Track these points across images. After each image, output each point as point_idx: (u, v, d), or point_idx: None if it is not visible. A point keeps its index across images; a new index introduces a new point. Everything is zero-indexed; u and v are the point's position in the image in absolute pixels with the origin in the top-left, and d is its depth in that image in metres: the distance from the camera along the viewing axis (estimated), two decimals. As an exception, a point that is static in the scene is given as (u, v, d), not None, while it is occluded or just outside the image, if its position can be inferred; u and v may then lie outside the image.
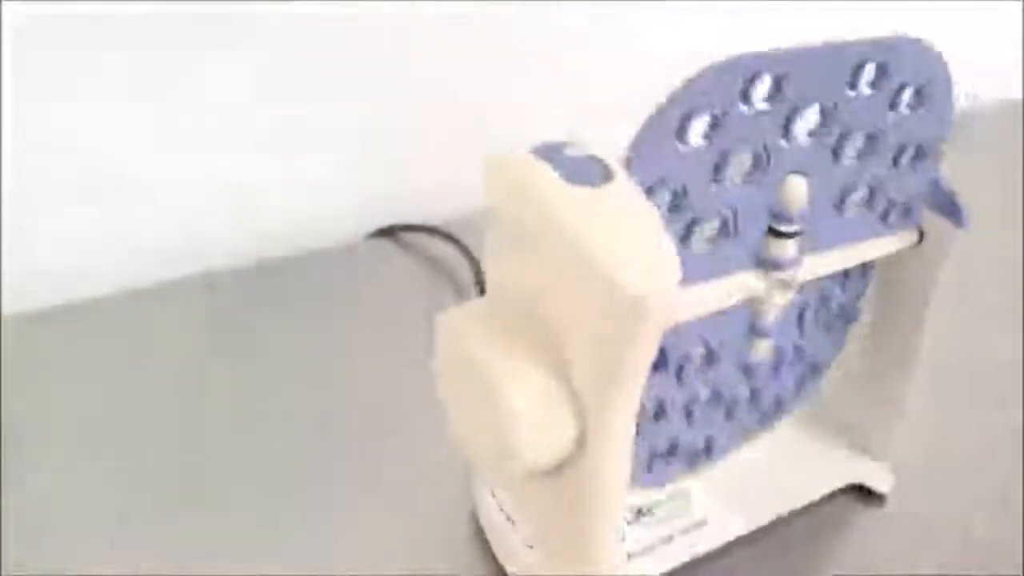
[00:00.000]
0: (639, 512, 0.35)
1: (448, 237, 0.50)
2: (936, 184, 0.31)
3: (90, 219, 0.47)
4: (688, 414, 0.32)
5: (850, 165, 0.29)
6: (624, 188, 0.24)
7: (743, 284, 0.28)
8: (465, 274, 0.49)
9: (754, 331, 0.31)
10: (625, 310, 0.22)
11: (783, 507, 0.36)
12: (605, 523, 0.28)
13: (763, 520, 0.36)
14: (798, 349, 0.34)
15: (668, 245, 0.23)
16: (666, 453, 0.33)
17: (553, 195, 0.23)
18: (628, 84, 0.57)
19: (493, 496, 0.33)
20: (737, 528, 0.35)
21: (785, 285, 0.29)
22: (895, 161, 0.30)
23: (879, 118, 0.28)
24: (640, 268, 0.22)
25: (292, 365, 0.43)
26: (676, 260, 0.23)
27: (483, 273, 0.46)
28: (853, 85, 0.27)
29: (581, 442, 0.26)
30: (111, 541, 0.35)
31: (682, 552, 0.34)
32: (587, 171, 0.24)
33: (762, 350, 0.32)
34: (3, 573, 0.27)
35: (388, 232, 0.52)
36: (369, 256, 0.51)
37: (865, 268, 0.34)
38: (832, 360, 0.36)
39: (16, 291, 0.45)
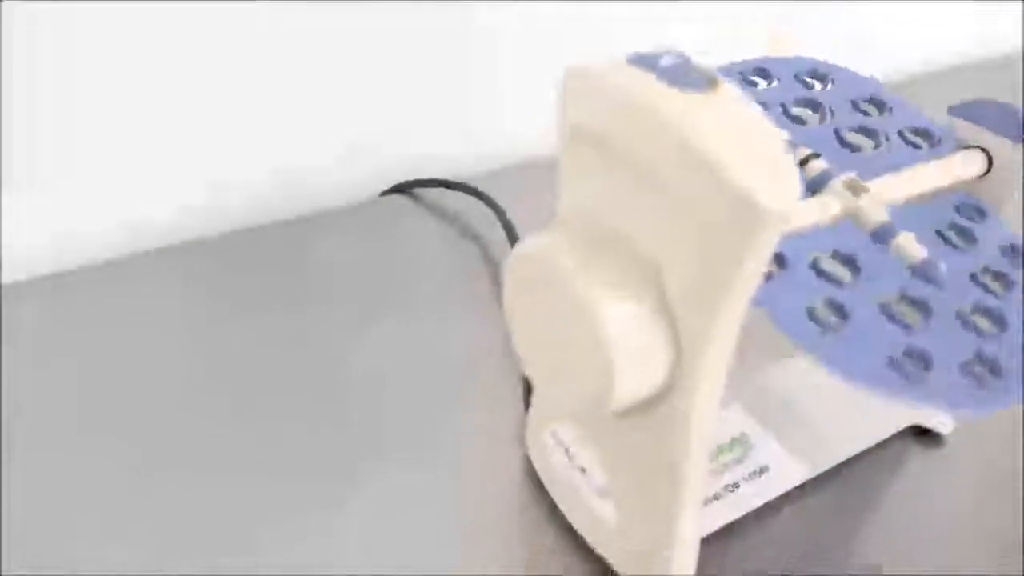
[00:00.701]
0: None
1: (470, 190, 0.48)
2: (1001, 106, 0.30)
3: (90, 181, 0.44)
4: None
5: None
6: (733, 94, 0.22)
7: (833, 199, 0.27)
8: (487, 228, 0.47)
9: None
10: (749, 221, 0.20)
11: (845, 451, 0.35)
12: (694, 461, 0.26)
13: (826, 465, 0.35)
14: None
15: (788, 155, 0.21)
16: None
17: (661, 101, 0.22)
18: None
19: (559, 445, 0.31)
20: (801, 474, 0.34)
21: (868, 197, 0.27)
22: None
23: None
24: (765, 178, 0.20)
25: (307, 327, 0.41)
26: (796, 171, 0.21)
27: (510, 224, 0.45)
28: None
29: (675, 371, 0.25)
30: (109, 509, 0.33)
31: (749, 500, 0.33)
32: (689, 78, 0.22)
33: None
34: (3, 573, 0.24)
35: (402, 189, 0.50)
36: (385, 214, 0.49)
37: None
38: None
39: (11, 260, 0.43)
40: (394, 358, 0.40)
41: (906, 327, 0.26)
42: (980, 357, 0.26)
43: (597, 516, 0.30)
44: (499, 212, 0.45)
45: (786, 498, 0.34)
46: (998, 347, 0.26)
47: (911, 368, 0.25)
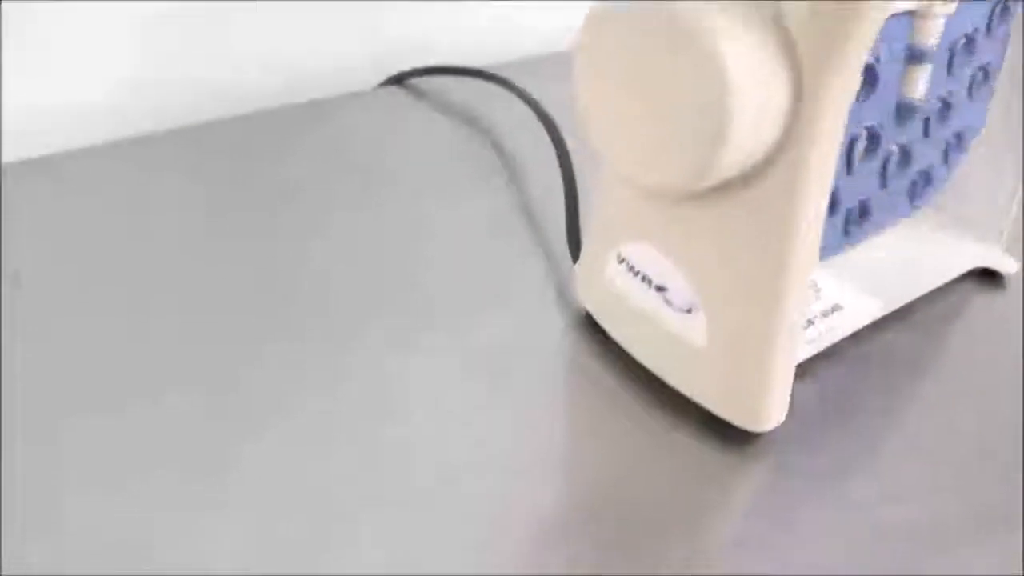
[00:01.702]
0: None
1: (485, 76, 0.45)
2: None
3: (87, 64, 0.41)
4: (848, 162, 0.28)
5: None
6: None
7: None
8: (496, 117, 0.44)
9: (912, 56, 0.27)
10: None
11: (914, 291, 0.33)
12: (802, 240, 0.24)
13: (896, 303, 0.33)
14: (945, 107, 0.31)
15: None
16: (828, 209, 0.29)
17: None
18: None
19: (629, 270, 0.28)
20: (872, 311, 0.32)
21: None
22: None
23: None
24: None
25: (310, 212, 0.37)
26: None
27: (538, 104, 0.42)
28: None
29: (791, 126, 0.22)
30: (110, 391, 0.29)
31: (824, 336, 0.31)
32: None
33: (918, 82, 0.28)
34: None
35: (402, 79, 0.47)
36: (385, 104, 0.46)
37: (1006, 16, 0.31)
38: (973, 136, 0.33)
39: (14, 138, 0.40)
40: (407, 237, 0.36)
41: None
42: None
43: (680, 342, 0.27)
44: (519, 92, 0.42)
45: (854, 340, 0.32)
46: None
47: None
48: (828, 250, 0.28)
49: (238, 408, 0.28)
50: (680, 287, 0.27)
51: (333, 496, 0.25)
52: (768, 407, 0.27)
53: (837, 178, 0.26)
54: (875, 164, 0.28)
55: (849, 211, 0.29)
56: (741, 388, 0.27)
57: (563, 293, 0.33)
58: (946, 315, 0.34)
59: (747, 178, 0.23)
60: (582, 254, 0.31)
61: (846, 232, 0.29)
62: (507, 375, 0.30)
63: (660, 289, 0.27)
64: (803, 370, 0.30)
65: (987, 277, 0.35)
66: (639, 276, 0.28)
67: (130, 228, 0.35)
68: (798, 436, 0.28)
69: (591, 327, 0.32)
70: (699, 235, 0.25)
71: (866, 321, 0.32)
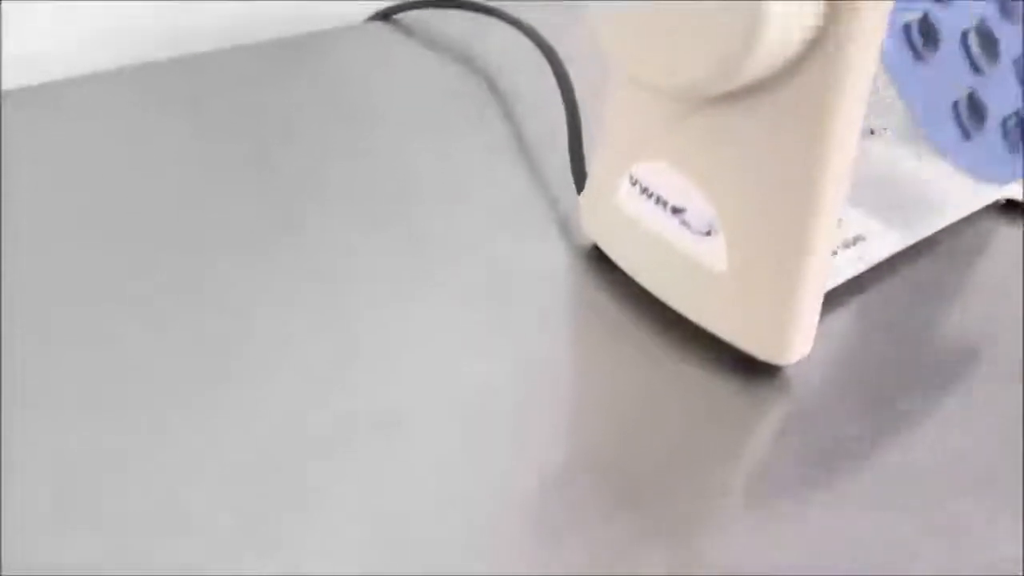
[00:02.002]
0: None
1: (476, 7, 0.42)
2: None
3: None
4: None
5: None
6: None
7: None
8: (489, 49, 0.42)
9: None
10: None
11: (937, 222, 0.31)
12: (838, 156, 0.22)
13: (919, 235, 0.31)
14: None
15: None
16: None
17: None
18: None
19: (643, 193, 0.26)
20: (897, 241, 0.30)
21: None
22: None
23: None
24: None
25: (292, 151, 0.35)
26: None
27: (535, 31, 0.39)
28: None
29: (826, 21, 0.20)
30: (106, 321, 0.27)
31: (848, 266, 0.29)
32: None
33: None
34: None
35: (387, 15, 0.44)
36: (372, 39, 0.43)
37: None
38: None
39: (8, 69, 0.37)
40: (402, 175, 0.34)
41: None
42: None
43: (697, 268, 0.25)
44: (516, 23, 0.40)
45: (876, 273, 0.30)
46: None
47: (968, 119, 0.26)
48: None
49: (236, 340, 0.26)
50: (699, 207, 0.25)
51: (323, 436, 0.23)
52: (793, 338, 0.25)
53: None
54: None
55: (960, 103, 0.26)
56: (764, 317, 0.25)
57: (566, 226, 0.31)
58: (971, 247, 0.32)
59: (778, 79, 0.21)
60: (588, 182, 0.29)
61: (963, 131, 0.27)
62: (508, 309, 0.28)
63: (677, 211, 0.25)
64: (825, 301, 0.29)
65: (1011, 209, 0.34)
66: (653, 198, 0.26)
67: (122, 157, 0.33)
68: (822, 372, 0.27)
69: (597, 260, 0.30)
70: (721, 148, 0.23)
71: (890, 251, 0.30)
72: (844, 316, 0.29)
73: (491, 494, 0.22)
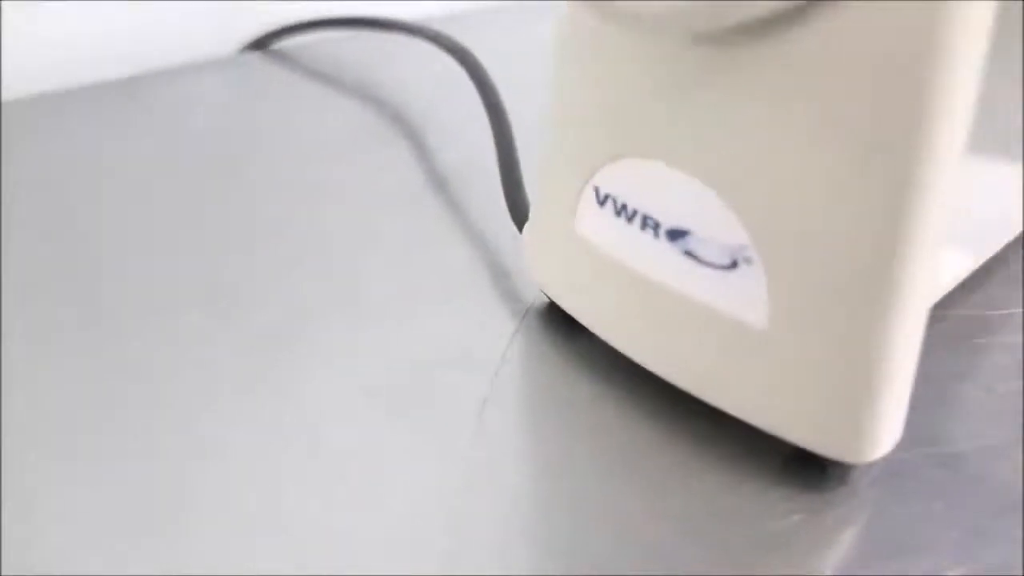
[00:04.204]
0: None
1: (363, 23, 0.33)
2: None
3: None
4: None
5: None
6: None
7: None
8: (380, 74, 0.33)
9: None
10: None
11: (1007, 233, 0.23)
12: (938, 138, 0.13)
13: (990, 252, 0.23)
14: None
15: None
16: None
17: None
18: None
19: (611, 208, 0.17)
20: (967, 263, 0.22)
21: None
22: None
23: None
24: None
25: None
26: None
27: (452, 41, 0.30)
28: None
29: None
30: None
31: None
32: None
33: None
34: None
35: (265, 43, 0.36)
36: (250, 71, 0.34)
37: None
38: None
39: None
40: (301, 233, 0.25)
41: None
42: None
43: (720, 323, 0.16)
44: (420, 33, 0.31)
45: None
46: None
47: None
48: None
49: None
50: (714, 227, 0.16)
51: None
52: (876, 426, 0.15)
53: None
54: None
55: None
56: (829, 393, 0.16)
57: (505, 280, 0.22)
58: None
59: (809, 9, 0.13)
60: (533, 209, 0.20)
61: None
62: (432, 417, 0.18)
63: (676, 235, 0.16)
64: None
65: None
66: (636, 218, 0.17)
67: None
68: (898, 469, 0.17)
69: (553, 321, 0.20)
70: (746, 131, 0.14)
71: (959, 277, 0.21)
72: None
73: None
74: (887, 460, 0.16)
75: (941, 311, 0.21)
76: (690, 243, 0.16)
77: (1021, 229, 0.24)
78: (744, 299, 0.16)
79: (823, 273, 0.15)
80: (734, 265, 0.16)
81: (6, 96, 0.32)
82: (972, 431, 0.18)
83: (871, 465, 0.16)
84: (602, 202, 0.17)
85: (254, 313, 0.21)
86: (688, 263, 0.16)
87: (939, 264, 0.19)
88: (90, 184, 0.27)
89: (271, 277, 0.23)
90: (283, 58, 0.35)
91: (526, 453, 0.18)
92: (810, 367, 0.16)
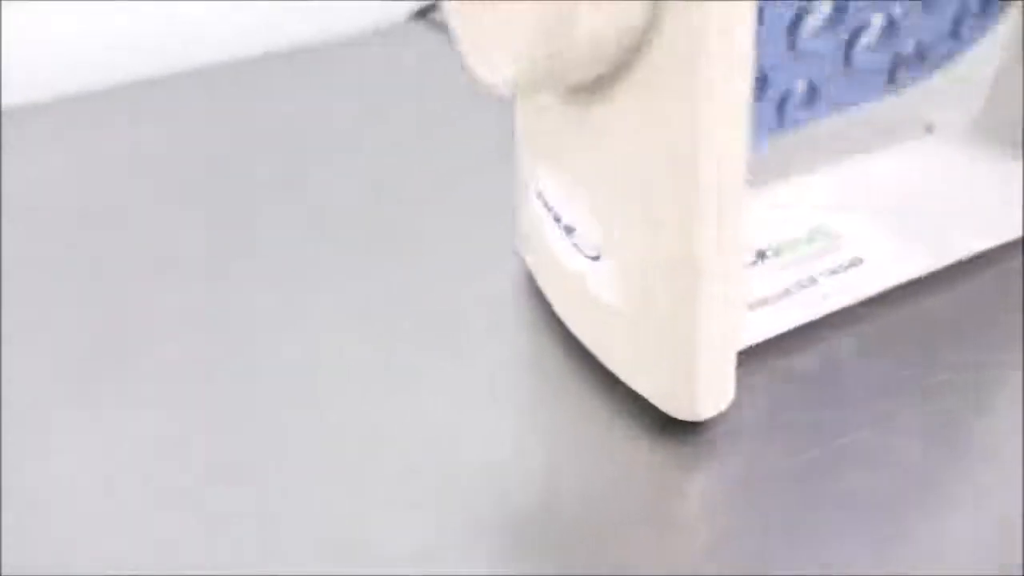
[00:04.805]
0: (761, 255, 0.25)
1: None
2: None
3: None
4: (791, 36, 0.20)
5: None
6: None
7: None
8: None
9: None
10: None
11: (969, 245, 0.25)
12: (717, 134, 0.17)
13: (942, 260, 0.25)
14: None
15: None
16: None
17: None
18: None
19: (548, 212, 0.22)
20: (906, 268, 0.24)
21: None
22: None
23: None
24: None
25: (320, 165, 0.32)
26: None
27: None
28: None
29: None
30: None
31: (825, 300, 0.23)
32: None
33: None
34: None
35: (425, 13, 0.42)
36: (409, 41, 0.41)
37: None
38: None
39: (13, 83, 0.37)
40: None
41: None
42: None
43: (596, 301, 0.21)
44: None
45: (882, 304, 0.24)
46: None
47: None
48: (758, 136, 0.20)
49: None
50: (585, 223, 0.20)
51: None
52: (697, 388, 0.20)
53: (768, 58, 0.19)
54: (835, 39, 0.20)
55: (787, 93, 0.21)
56: (664, 361, 0.20)
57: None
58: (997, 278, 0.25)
59: (629, 64, 0.17)
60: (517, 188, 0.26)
61: (780, 116, 0.21)
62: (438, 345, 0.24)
63: (569, 230, 0.21)
64: (802, 340, 0.23)
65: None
66: (551, 214, 0.22)
67: (123, 174, 0.32)
68: (766, 431, 0.21)
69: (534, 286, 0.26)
70: (597, 147, 0.19)
71: (893, 282, 0.24)
72: (818, 360, 0.23)
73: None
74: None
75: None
76: (576, 237, 0.21)
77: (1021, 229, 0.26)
78: (607, 284, 0.20)
79: (654, 268, 0.19)
80: (598, 258, 0.20)
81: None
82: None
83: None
84: (537, 196, 0.23)
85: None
86: (576, 253, 0.21)
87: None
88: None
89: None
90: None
91: (488, 395, 0.23)
92: (653, 341, 0.20)
